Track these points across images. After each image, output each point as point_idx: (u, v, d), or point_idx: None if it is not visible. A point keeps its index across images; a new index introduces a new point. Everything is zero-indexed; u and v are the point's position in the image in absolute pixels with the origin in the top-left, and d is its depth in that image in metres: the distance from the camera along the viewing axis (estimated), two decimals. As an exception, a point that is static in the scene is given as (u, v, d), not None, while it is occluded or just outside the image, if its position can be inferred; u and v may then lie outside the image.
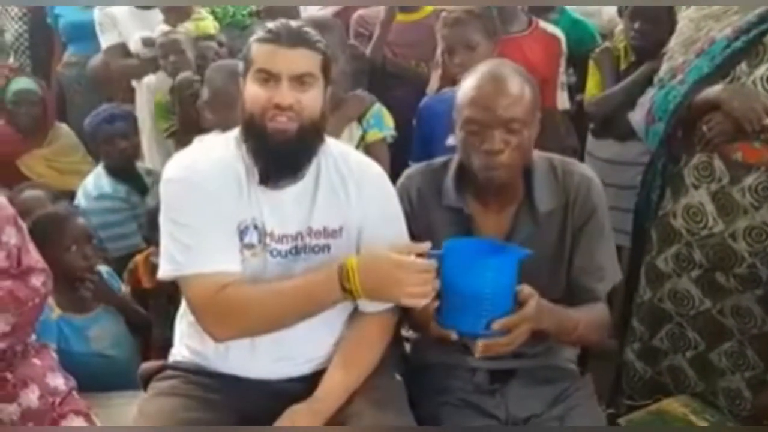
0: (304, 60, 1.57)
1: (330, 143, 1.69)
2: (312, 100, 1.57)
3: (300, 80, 1.55)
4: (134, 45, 3.41)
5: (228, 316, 1.55)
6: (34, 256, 1.79)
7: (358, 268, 1.50)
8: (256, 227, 1.60)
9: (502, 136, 1.64)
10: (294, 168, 1.60)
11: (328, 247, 1.64)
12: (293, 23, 1.62)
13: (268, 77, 1.55)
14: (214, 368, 1.68)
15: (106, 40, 3.49)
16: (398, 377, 1.78)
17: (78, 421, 1.79)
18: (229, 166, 1.61)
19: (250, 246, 1.60)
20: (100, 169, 3.07)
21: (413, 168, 1.90)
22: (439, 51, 2.87)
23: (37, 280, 1.76)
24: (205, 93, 2.62)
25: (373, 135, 2.49)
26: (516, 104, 1.64)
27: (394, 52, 3.09)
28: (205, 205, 1.57)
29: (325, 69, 1.61)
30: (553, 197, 1.76)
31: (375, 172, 1.73)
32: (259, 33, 1.60)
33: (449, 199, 1.77)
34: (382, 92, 2.67)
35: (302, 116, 1.56)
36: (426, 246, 1.51)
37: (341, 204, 1.65)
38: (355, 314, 1.70)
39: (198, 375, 1.68)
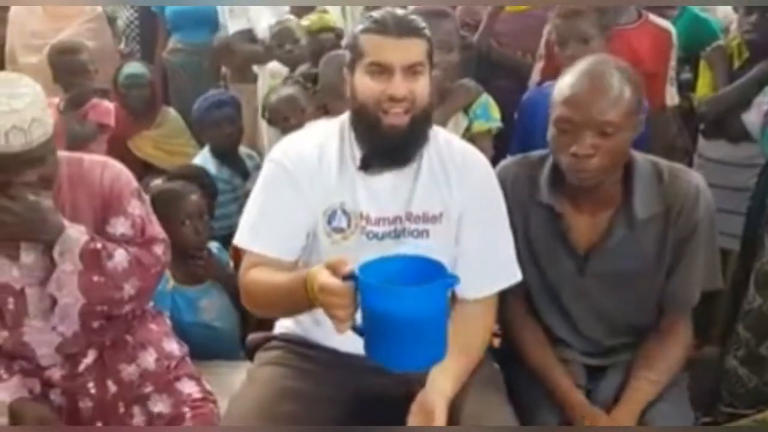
0: (415, 49, 1.56)
1: (435, 129, 1.70)
2: (423, 88, 1.58)
3: (412, 70, 1.55)
4: (261, 32, 3.49)
5: (246, 295, 1.65)
6: (156, 227, 1.87)
7: (312, 284, 1.38)
8: (344, 211, 1.63)
9: (592, 139, 1.58)
10: (403, 158, 1.62)
11: (426, 233, 1.64)
12: (398, 11, 1.60)
13: (381, 69, 1.55)
14: (314, 340, 1.71)
15: (234, 25, 3.60)
16: (496, 365, 1.78)
17: (190, 385, 1.85)
18: (326, 152, 1.65)
19: (339, 230, 1.63)
20: (206, 152, 3.18)
21: (510, 159, 1.87)
22: (542, 42, 2.86)
23: (158, 249, 1.83)
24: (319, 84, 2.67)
25: (479, 126, 2.48)
26: (612, 107, 1.57)
27: (500, 42, 3.08)
28: (286, 194, 1.63)
29: (430, 55, 1.61)
30: (655, 203, 1.68)
31: (479, 160, 1.72)
32: (365, 23, 1.59)
33: (542, 195, 1.73)
34: (487, 82, 2.66)
35: (415, 106, 1.57)
36: (345, 267, 1.32)
37: (442, 190, 1.65)
38: (458, 300, 1.69)
39: (300, 346, 1.72)
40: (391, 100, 1.55)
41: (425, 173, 1.64)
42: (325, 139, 1.68)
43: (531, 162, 1.80)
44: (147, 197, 1.92)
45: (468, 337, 1.63)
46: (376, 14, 1.59)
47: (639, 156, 1.72)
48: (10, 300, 1.72)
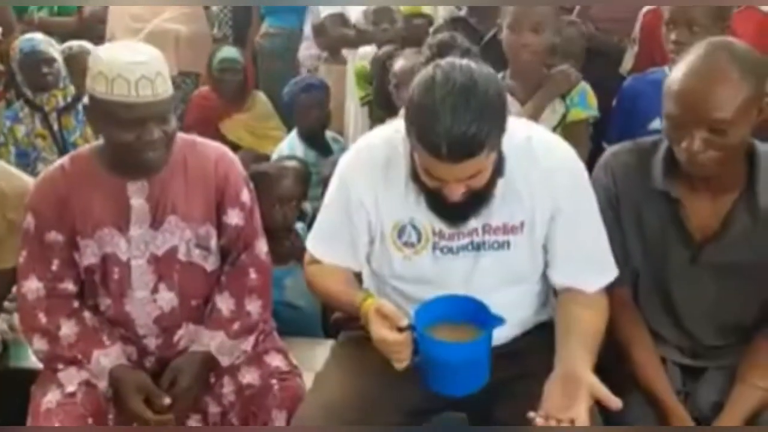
0: (472, 167, 1.44)
1: (511, 131, 1.51)
2: (483, 178, 1.50)
3: (469, 178, 1.48)
4: (355, 16, 3.53)
5: (307, 283, 1.81)
6: (257, 218, 1.96)
7: (366, 316, 1.57)
8: (414, 227, 1.62)
9: (703, 135, 1.50)
10: (464, 214, 1.58)
11: (507, 244, 1.61)
12: (454, 131, 1.38)
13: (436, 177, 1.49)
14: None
15: (326, 9, 3.62)
16: None
17: (278, 358, 1.93)
18: (394, 167, 1.61)
19: (410, 245, 1.63)
20: (293, 135, 3.27)
21: (619, 147, 1.77)
22: (637, 27, 2.80)
23: (263, 247, 1.97)
24: (396, 73, 2.67)
25: (576, 114, 2.41)
26: (725, 104, 1.46)
27: (597, 27, 3.03)
28: (345, 213, 1.67)
29: (495, 148, 1.47)
30: None
31: (565, 156, 1.64)
32: (416, 139, 1.44)
33: (656, 182, 1.65)
34: (582, 69, 2.60)
35: (474, 188, 1.51)
36: (401, 322, 1.51)
37: (523, 199, 1.59)
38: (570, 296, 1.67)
39: None
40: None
41: (503, 182, 1.57)
42: (393, 152, 1.62)
43: (642, 148, 1.71)
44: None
45: (593, 320, 1.60)
46: (428, 136, 1.40)
47: (761, 144, 1.63)
48: (116, 270, 1.82)
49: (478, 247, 1.62)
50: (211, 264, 1.91)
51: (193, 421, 1.90)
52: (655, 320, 1.74)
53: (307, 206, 2.72)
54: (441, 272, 1.64)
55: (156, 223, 1.82)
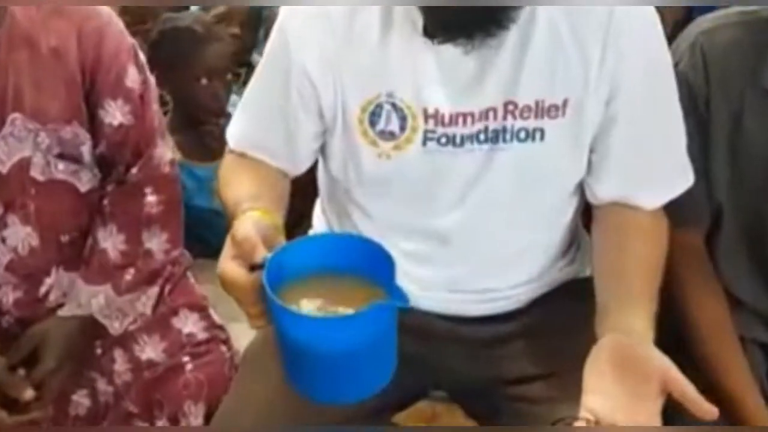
0: None
1: None
2: None
3: None
4: None
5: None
6: (156, 119, 1.37)
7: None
8: (395, 106, 1.04)
9: None
10: (494, 20, 0.97)
11: (541, 133, 1.03)
12: None
13: None
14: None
15: None
16: None
17: (192, 320, 1.37)
18: (363, 10, 1.03)
19: (388, 135, 1.05)
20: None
21: (719, 16, 1.20)
22: None
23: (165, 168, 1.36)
24: None
25: None
26: None
27: None
28: (290, 74, 1.06)
29: None
30: None
31: (641, 14, 1.06)
32: None
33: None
34: None
35: None
36: (254, 254, 0.86)
37: (571, 66, 1.02)
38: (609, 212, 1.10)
39: None
40: None
41: (541, 41, 1.02)
42: None
43: (755, 23, 1.17)
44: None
45: (653, 252, 1.08)
46: None
47: None
48: None
49: (495, 136, 1.03)
50: (85, 182, 1.31)
51: (78, 398, 1.35)
52: (737, 282, 1.24)
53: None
54: (434, 179, 1.06)
55: None
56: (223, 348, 1.35)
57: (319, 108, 1.07)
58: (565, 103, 1.02)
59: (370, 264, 0.86)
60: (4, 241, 1.26)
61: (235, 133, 1.15)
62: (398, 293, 0.82)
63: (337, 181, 1.14)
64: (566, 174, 1.09)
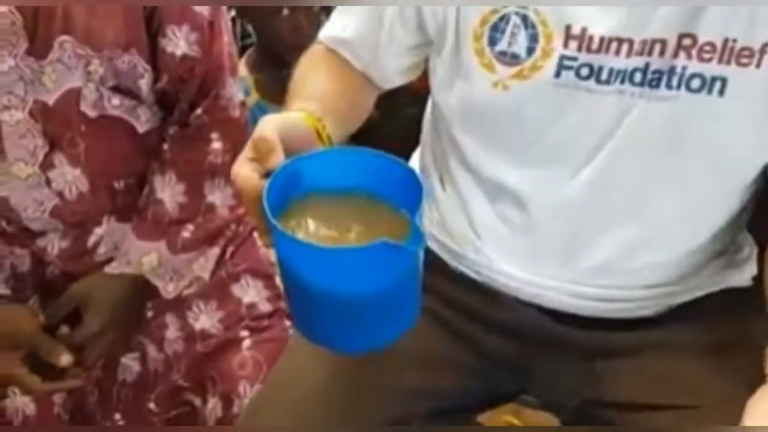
0: None
1: None
2: None
3: None
4: None
5: None
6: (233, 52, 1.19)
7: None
8: (525, 19, 0.80)
9: None
10: None
11: (722, 83, 0.77)
12: None
13: None
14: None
15: None
16: None
17: (256, 290, 1.21)
18: None
19: (512, 58, 0.81)
20: None
21: None
22: None
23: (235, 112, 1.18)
24: None
25: None
26: None
27: None
28: None
29: None
30: None
31: None
32: None
33: None
34: None
35: None
36: (271, 157, 0.69)
37: None
38: None
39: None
40: None
41: None
42: None
43: None
44: None
45: None
46: None
47: None
48: None
49: (656, 79, 0.79)
50: (143, 121, 1.14)
51: (128, 360, 1.21)
52: None
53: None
54: (559, 125, 0.83)
55: (38, 47, 1.03)
56: (288, 323, 1.17)
57: (419, 19, 0.87)
58: (764, 49, 0.76)
59: (404, 193, 0.69)
60: (49, 183, 1.10)
61: (327, 26, 0.98)
62: (417, 234, 0.65)
63: (439, 113, 0.93)
64: (745, 148, 0.82)
